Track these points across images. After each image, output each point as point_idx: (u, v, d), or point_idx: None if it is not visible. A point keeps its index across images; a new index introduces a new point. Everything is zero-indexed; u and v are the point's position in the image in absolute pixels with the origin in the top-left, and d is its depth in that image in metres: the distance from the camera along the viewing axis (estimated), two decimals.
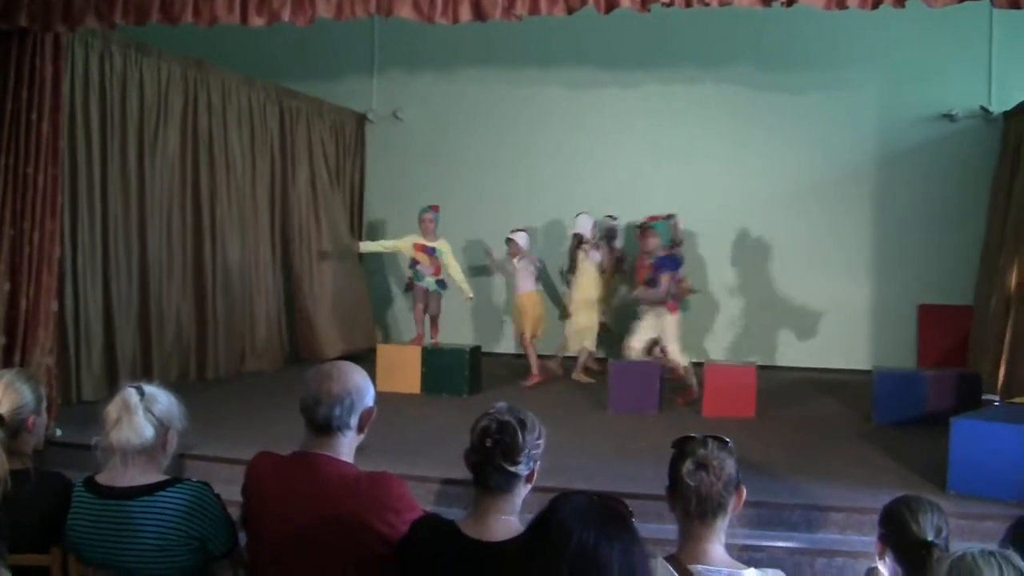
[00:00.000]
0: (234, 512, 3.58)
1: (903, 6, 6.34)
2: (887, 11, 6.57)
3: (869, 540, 3.24)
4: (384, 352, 10.76)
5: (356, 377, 3.39)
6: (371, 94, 14.42)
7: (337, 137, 13.87)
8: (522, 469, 3.01)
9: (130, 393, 3.54)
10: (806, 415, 9.63)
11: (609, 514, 2.31)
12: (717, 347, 12.96)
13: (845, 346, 12.72)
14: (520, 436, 3.00)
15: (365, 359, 9.11)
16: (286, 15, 7.05)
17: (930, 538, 3.02)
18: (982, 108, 12.50)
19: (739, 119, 13.11)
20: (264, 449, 3.54)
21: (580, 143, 13.59)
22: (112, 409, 3.53)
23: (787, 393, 10.72)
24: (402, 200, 13.77)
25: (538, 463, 3.06)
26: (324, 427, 3.31)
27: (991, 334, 10.63)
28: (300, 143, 12.86)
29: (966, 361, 11.02)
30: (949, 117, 12.62)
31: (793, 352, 12.94)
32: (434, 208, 11.28)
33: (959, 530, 5.54)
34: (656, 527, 4.68)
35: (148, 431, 3.49)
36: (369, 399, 3.40)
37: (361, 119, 14.47)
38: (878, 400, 9.23)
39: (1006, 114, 12.12)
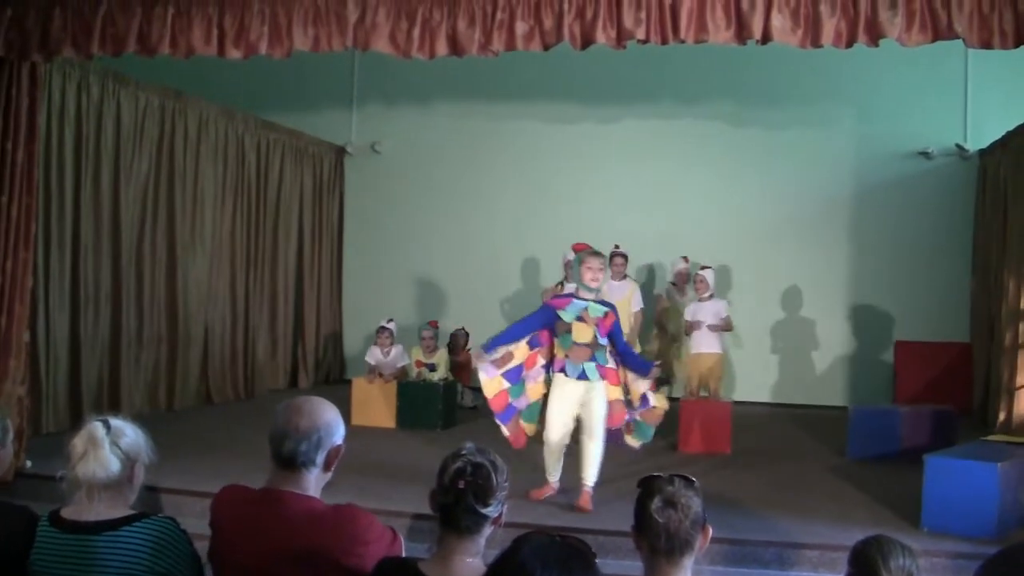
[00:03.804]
0: (201, 547, 3.53)
1: (877, 45, 6.41)
2: (863, 49, 6.63)
3: None
4: (359, 386, 10.71)
5: (326, 413, 3.33)
6: (350, 127, 14.45)
7: (316, 169, 13.89)
8: (493, 511, 2.98)
9: (96, 426, 3.48)
10: (781, 451, 9.63)
11: (571, 553, 2.28)
12: None
13: (821, 381, 12.75)
14: (493, 478, 2.98)
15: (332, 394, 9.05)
16: (263, 48, 7.06)
17: None
18: (957, 146, 12.62)
19: (716, 154, 13.19)
20: (233, 482, 3.50)
21: (558, 177, 13.64)
22: (78, 442, 3.47)
23: (763, 429, 10.74)
24: (381, 232, 13.79)
25: (506, 505, 3.04)
26: (289, 462, 3.27)
27: (995, 373, 10.80)
28: (277, 175, 12.88)
29: (943, 398, 11.03)
30: (925, 154, 12.73)
31: (769, 387, 12.96)
32: (433, 324, 11.34)
33: (932, 568, 5.56)
34: (620, 563, 4.66)
35: (114, 465, 3.43)
36: (338, 437, 3.35)
37: (340, 152, 14.51)
38: (853, 436, 9.24)
39: (981, 152, 12.23)
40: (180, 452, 7.90)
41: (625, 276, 10.56)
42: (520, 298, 13.68)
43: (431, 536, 3.07)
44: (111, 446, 3.43)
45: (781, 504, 7.23)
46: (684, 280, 11.04)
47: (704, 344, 10.26)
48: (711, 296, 10.37)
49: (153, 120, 10.64)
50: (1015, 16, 6.26)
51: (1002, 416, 10.31)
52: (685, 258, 11.13)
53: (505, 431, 7.36)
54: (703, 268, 10.57)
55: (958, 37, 6.35)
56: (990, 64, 11.84)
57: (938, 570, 5.66)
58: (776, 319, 12.95)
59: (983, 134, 12.25)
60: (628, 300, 10.32)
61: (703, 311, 10.23)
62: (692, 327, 10.23)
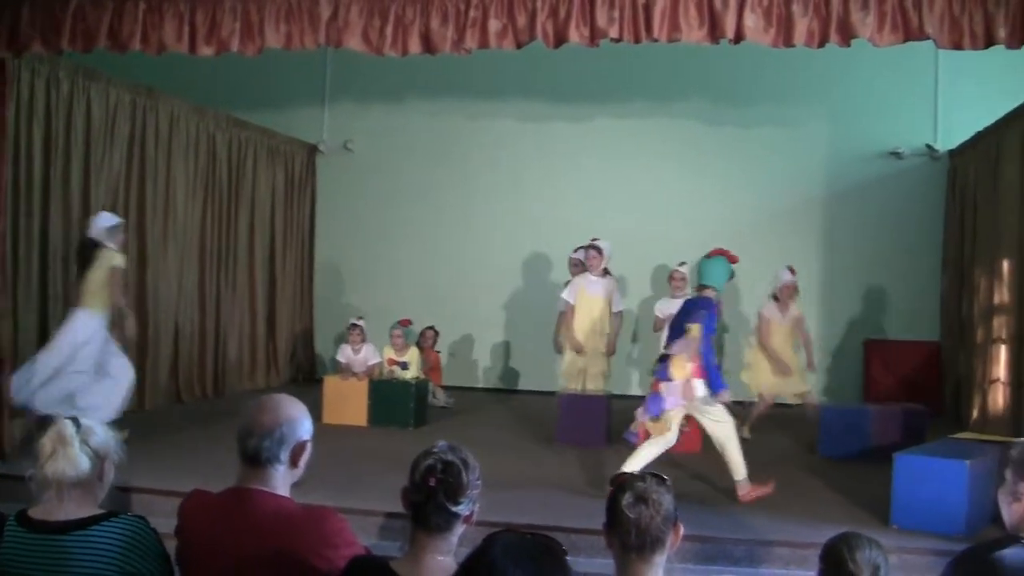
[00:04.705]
0: (170, 546, 3.51)
1: (849, 45, 6.45)
2: (836, 49, 6.67)
3: (813, 575, 3.24)
4: (331, 384, 10.68)
5: (290, 410, 3.33)
6: (322, 125, 14.41)
7: (287, 168, 13.85)
8: (463, 509, 2.97)
9: (66, 425, 3.46)
10: (752, 449, 9.60)
11: (542, 551, 2.28)
12: None
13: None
14: (464, 476, 2.97)
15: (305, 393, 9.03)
16: (235, 45, 7.04)
17: None
18: (928, 146, 12.71)
19: (690, 153, 13.25)
20: (204, 481, 3.48)
21: (531, 176, 13.65)
22: (47, 441, 3.45)
23: None
24: (353, 230, 13.77)
25: (477, 503, 3.03)
26: (253, 459, 3.26)
27: (966, 371, 10.91)
28: (249, 173, 12.84)
29: (913, 396, 11.11)
30: (896, 154, 12.81)
31: (740, 386, 12.98)
32: (404, 323, 11.37)
33: (902, 565, 5.58)
34: (592, 561, 4.67)
35: (84, 463, 3.41)
36: (303, 433, 3.34)
37: (312, 150, 14.46)
38: (824, 434, 9.28)
39: (951, 152, 12.33)
40: (150, 451, 7.85)
41: (606, 273, 10.48)
42: (491, 296, 13.69)
43: (403, 535, 3.06)
44: (81, 444, 3.41)
45: (752, 502, 7.26)
46: (789, 294, 10.41)
47: None
48: (686, 295, 10.41)
49: (124, 117, 10.56)
50: (985, 17, 6.31)
51: (976, 413, 10.40)
52: (791, 268, 10.59)
53: None
54: (680, 264, 10.60)
55: (929, 38, 6.40)
56: (960, 65, 11.91)
57: (908, 567, 5.68)
58: (747, 318, 12.98)
59: (953, 135, 12.35)
60: (608, 298, 10.30)
61: (675, 308, 10.25)
62: (661, 323, 10.26)
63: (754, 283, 12.08)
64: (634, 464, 6.98)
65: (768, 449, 9.61)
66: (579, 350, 10.20)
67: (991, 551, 3.09)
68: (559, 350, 10.50)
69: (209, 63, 8.55)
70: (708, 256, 7.81)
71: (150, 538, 3.42)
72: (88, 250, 8.58)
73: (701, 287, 7.69)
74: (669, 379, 7.31)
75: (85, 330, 8.43)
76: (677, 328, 7.57)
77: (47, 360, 8.30)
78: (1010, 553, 3.05)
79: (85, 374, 8.33)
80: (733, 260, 7.80)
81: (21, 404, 8.10)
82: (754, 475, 7.40)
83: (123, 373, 8.59)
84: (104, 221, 8.71)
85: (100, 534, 3.34)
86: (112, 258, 8.51)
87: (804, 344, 10.48)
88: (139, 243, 10.87)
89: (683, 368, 7.31)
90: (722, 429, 7.39)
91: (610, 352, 10.38)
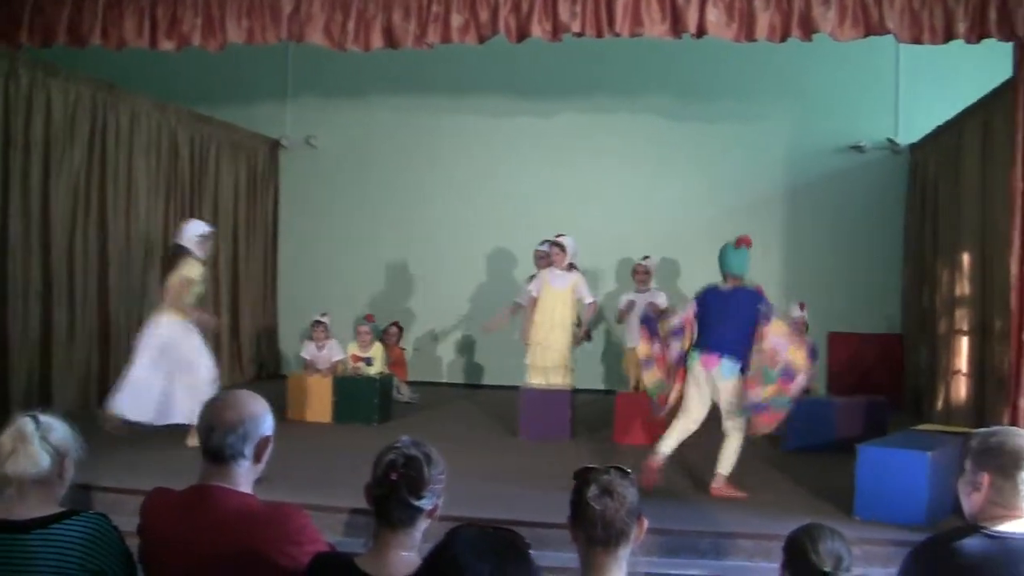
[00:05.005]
0: (133, 544, 3.50)
1: (810, 39, 6.51)
2: (797, 44, 6.71)
3: (777, 567, 3.25)
4: (295, 381, 10.64)
5: (252, 405, 3.33)
6: (284, 120, 14.33)
7: (250, 163, 13.77)
8: (426, 503, 2.97)
9: (25, 422, 3.43)
10: (717, 441, 9.66)
11: (505, 545, 2.28)
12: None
13: None
14: (426, 470, 2.97)
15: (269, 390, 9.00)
16: (196, 40, 7.01)
17: (828, 568, 3.03)
18: (889, 140, 12.79)
19: (653, 148, 13.27)
20: (166, 479, 3.47)
21: (496, 171, 13.63)
22: (6, 439, 3.42)
23: None
24: (316, 226, 13.72)
25: (440, 498, 3.03)
26: (217, 455, 3.25)
27: (927, 364, 11.01)
28: (212, 169, 12.76)
29: (876, 388, 11.17)
30: (858, 148, 12.90)
31: None
32: (369, 318, 11.46)
33: (865, 556, 5.63)
34: (557, 555, 4.68)
35: (44, 460, 3.38)
36: (266, 428, 3.34)
37: (274, 145, 14.38)
38: (788, 427, 9.31)
39: (912, 146, 12.42)
40: (112, 449, 7.79)
41: (571, 267, 10.46)
42: (455, 291, 13.67)
43: (368, 531, 3.06)
44: (40, 441, 3.39)
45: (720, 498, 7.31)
46: (799, 329, 9.75)
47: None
48: (649, 288, 10.47)
49: (84, 113, 10.45)
50: (944, 12, 6.39)
51: (940, 404, 10.50)
52: (802, 304, 10.71)
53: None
54: (644, 258, 10.63)
55: (889, 32, 6.47)
56: (921, 59, 11.99)
57: (871, 557, 5.73)
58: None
59: (914, 128, 12.44)
60: (572, 293, 10.30)
61: (639, 301, 10.32)
62: (623, 315, 10.33)
63: (713, 277, 12.13)
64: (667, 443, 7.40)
65: None
66: (529, 343, 10.29)
67: (951, 541, 3.12)
68: (527, 342, 10.51)
69: (170, 58, 8.48)
70: (736, 246, 7.74)
71: (112, 536, 3.41)
72: (173, 255, 8.76)
73: (734, 277, 7.68)
74: (793, 376, 7.27)
75: (164, 334, 8.58)
76: (739, 322, 7.46)
77: (133, 371, 8.47)
78: (969, 543, 3.08)
79: (170, 377, 8.49)
80: (750, 245, 7.80)
81: (120, 418, 8.35)
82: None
83: (209, 372, 8.70)
84: (194, 229, 8.82)
85: (61, 532, 3.32)
86: (190, 267, 8.62)
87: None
88: (101, 240, 10.77)
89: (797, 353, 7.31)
90: (737, 422, 7.43)
91: (580, 341, 10.41)
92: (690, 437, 7.61)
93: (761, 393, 7.21)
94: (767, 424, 7.39)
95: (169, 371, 8.48)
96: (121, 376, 8.54)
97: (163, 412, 8.43)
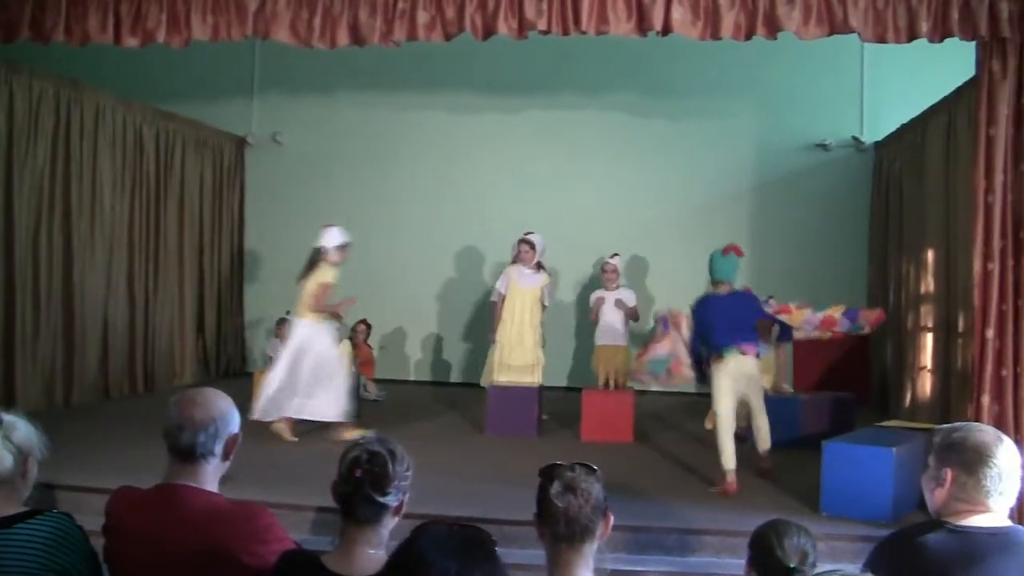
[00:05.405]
0: (97, 543, 3.47)
1: (775, 38, 6.54)
2: (763, 42, 6.74)
3: (743, 563, 3.27)
4: (261, 379, 10.54)
5: (220, 403, 3.32)
6: (251, 117, 14.26)
7: (216, 160, 13.70)
8: (391, 500, 2.97)
9: None
10: (683, 439, 9.73)
11: (471, 542, 2.28)
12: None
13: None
14: (391, 466, 2.96)
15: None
16: (161, 36, 6.96)
17: (793, 564, 3.05)
18: (854, 138, 12.89)
19: (620, 145, 13.30)
20: (132, 477, 3.45)
21: (463, 168, 13.64)
22: None
23: (665, 417, 10.84)
24: (283, 224, 13.65)
25: (407, 495, 3.03)
26: (188, 454, 3.24)
27: (892, 360, 11.09)
28: (177, 166, 12.69)
29: (841, 385, 11.24)
30: (823, 146, 12.99)
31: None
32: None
33: (831, 551, 5.65)
34: (524, 552, 4.68)
35: (7, 460, 3.36)
36: (234, 425, 3.34)
37: (240, 142, 14.32)
38: None
39: (877, 144, 12.51)
40: (77, 448, 7.74)
41: (540, 267, 10.46)
42: (423, 288, 13.65)
43: (335, 530, 3.05)
44: (3, 441, 3.36)
45: (683, 491, 7.34)
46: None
47: (607, 336, 10.41)
48: (618, 286, 10.51)
49: (48, 110, 10.36)
50: (908, 12, 6.44)
51: (906, 401, 10.58)
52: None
53: None
54: (612, 256, 10.66)
55: (853, 31, 6.51)
56: (885, 58, 12.07)
57: (837, 553, 5.75)
58: (679, 309, 13.04)
59: (878, 127, 12.56)
60: (540, 292, 10.32)
61: (608, 298, 10.36)
62: (594, 312, 10.39)
63: (681, 274, 12.19)
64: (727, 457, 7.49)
65: (698, 439, 9.67)
66: (497, 340, 10.33)
67: (915, 536, 3.14)
68: (494, 340, 10.50)
69: (135, 55, 8.42)
70: (724, 253, 8.02)
71: (76, 535, 3.38)
72: (311, 260, 9.23)
73: (725, 283, 7.96)
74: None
75: (301, 335, 9.04)
76: (746, 320, 7.83)
77: (273, 375, 9.00)
78: (934, 538, 3.10)
79: (306, 380, 8.86)
80: (740, 254, 8.10)
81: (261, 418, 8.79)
82: (685, 465, 7.47)
83: (344, 375, 9.09)
84: (334, 237, 9.29)
85: (25, 532, 3.29)
86: (325, 273, 9.09)
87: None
88: (65, 237, 10.68)
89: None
90: (763, 403, 7.95)
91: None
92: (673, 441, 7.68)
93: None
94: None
95: (307, 371, 8.85)
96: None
97: (301, 408, 8.86)
